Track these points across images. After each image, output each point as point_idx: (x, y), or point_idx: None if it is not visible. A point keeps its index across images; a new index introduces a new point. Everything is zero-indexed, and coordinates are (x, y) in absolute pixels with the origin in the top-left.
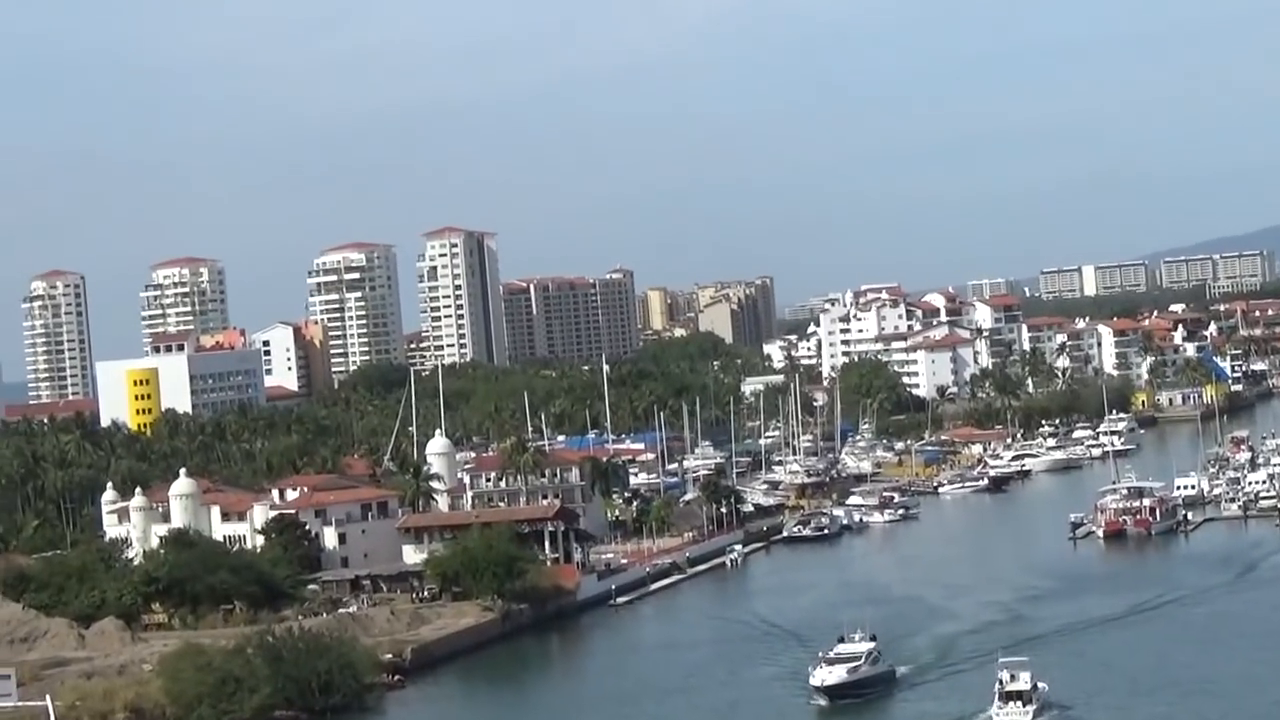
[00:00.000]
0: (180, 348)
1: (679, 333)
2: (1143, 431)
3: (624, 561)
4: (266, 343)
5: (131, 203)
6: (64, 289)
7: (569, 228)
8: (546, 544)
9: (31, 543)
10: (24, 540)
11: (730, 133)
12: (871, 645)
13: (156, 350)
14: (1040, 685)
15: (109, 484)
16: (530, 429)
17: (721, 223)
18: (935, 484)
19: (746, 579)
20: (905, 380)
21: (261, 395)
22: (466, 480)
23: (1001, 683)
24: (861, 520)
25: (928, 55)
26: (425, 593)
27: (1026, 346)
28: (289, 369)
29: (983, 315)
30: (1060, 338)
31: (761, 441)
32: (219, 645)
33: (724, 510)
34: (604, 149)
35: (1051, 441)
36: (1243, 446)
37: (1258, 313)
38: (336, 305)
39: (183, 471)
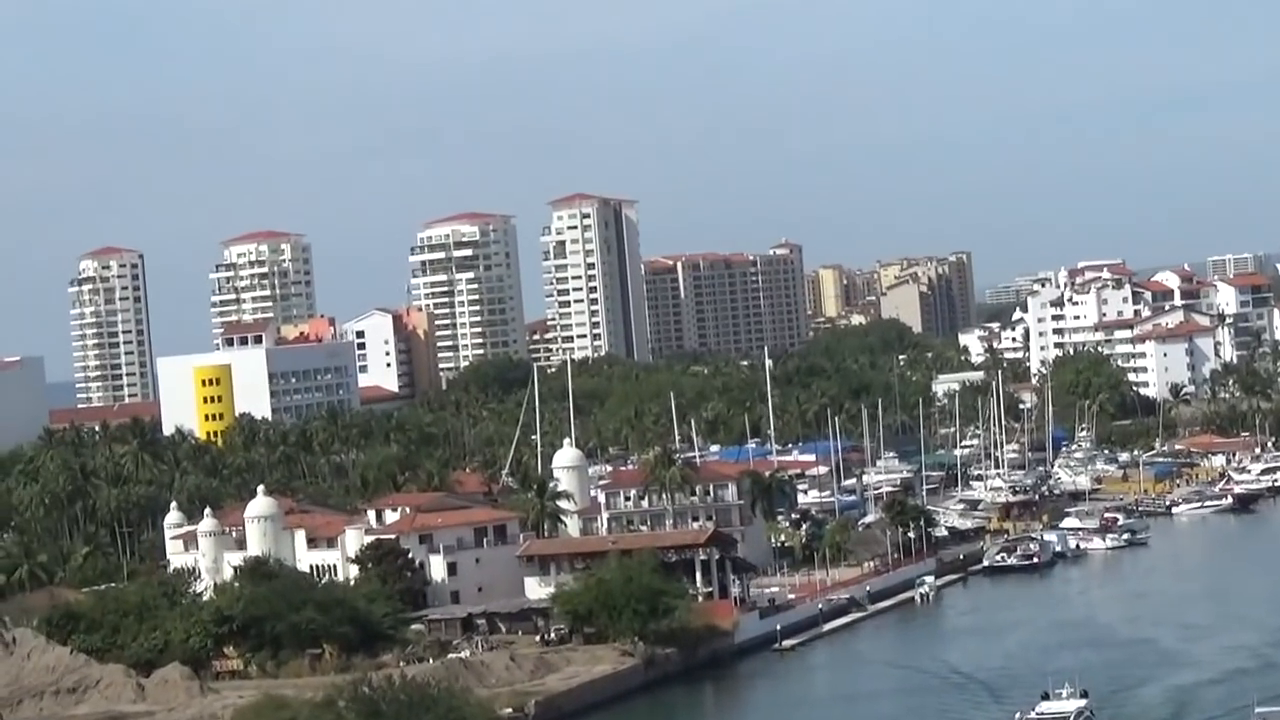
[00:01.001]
0: (257, 340)
1: (857, 320)
2: None
3: (791, 597)
4: (361, 333)
5: (199, 168)
6: (118, 270)
7: (724, 195)
8: (698, 576)
9: (81, 574)
10: (72, 571)
11: (917, 79)
12: (1082, 703)
13: (229, 343)
14: None
15: (173, 504)
16: (678, 437)
17: (908, 187)
18: (1168, 503)
19: (939, 618)
20: (1131, 377)
21: (355, 397)
22: (601, 499)
23: None
24: (1078, 547)
25: None
26: (552, 634)
27: (1279, 336)
28: (388, 365)
29: (1226, 298)
30: None
31: (957, 452)
32: (304, 697)
33: (912, 535)
34: (764, 101)
35: None
36: None
37: None
38: (445, 288)
39: (260, 489)
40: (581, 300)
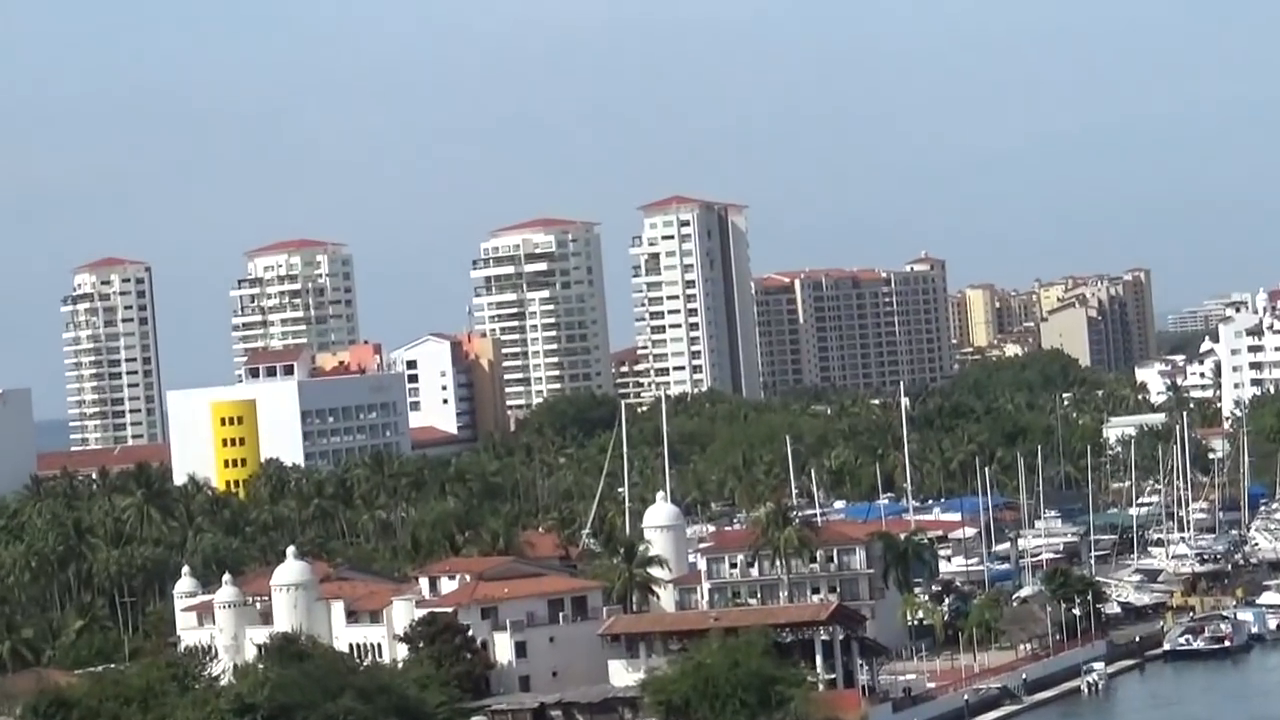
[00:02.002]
0: (288, 370)
1: (1012, 351)
2: None
3: (931, 686)
4: (412, 363)
5: (218, 161)
6: (121, 285)
7: (850, 198)
8: (818, 659)
9: (74, 653)
10: (63, 649)
11: (1083, 63)
12: None
13: (254, 374)
14: None
15: (185, 569)
16: (795, 491)
17: (1074, 191)
18: None
19: (1109, 712)
20: None
21: (405, 440)
22: (702, 566)
23: None
24: (1279, 628)
25: None
26: None
27: None
28: (445, 402)
29: None
30: None
31: (1133, 511)
32: None
33: (1078, 612)
34: (899, 87)
35: None
36: None
37: None
38: (514, 309)
39: (290, 551)
40: (679, 325)
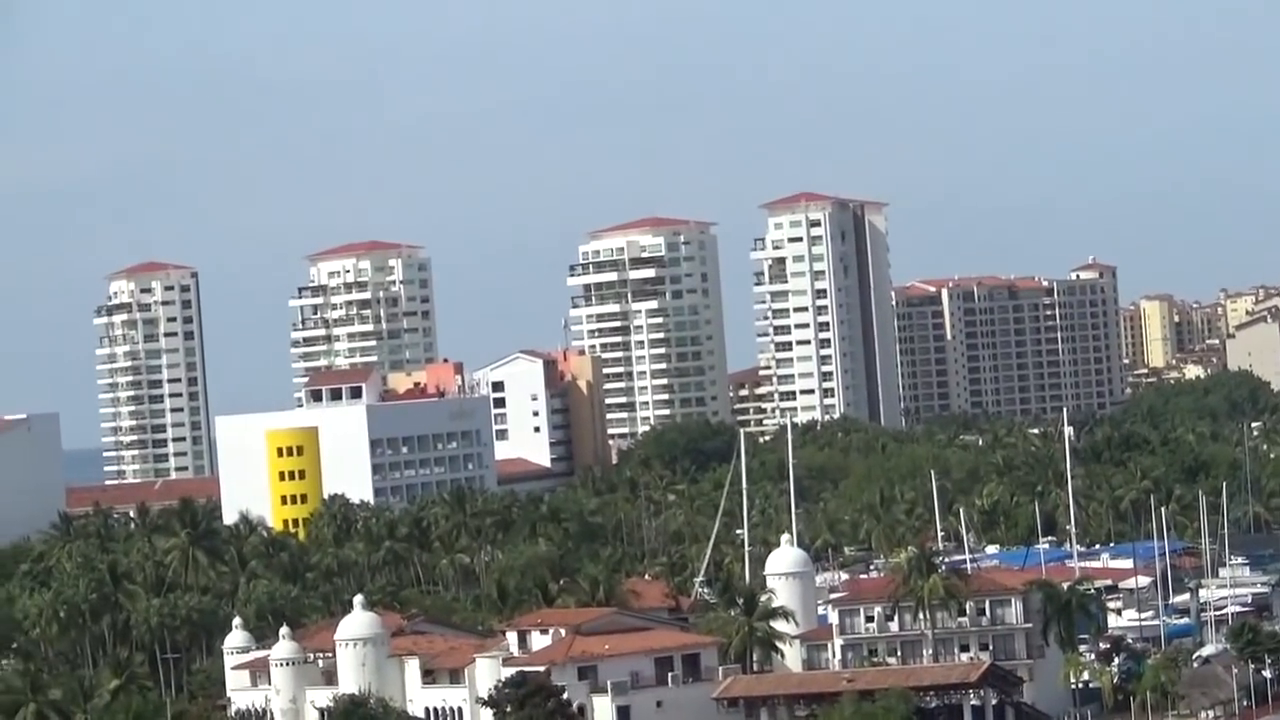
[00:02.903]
0: (355, 393)
1: (1193, 372)
2: None
3: None
4: (499, 385)
5: (277, 148)
6: (163, 294)
7: (1005, 195)
8: None
9: (109, 715)
10: (96, 712)
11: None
12: None
13: (316, 397)
14: None
15: (236, 620)
16: (941, 534)
17: (1267, 186)
18: None
19: None
20: None
21: (491, 473)
22: (833, 619)
23: None
24: None
25: None
26: None
27: None
28: (536, 430)
29: None
30: None
31: None
32: None
33: (1269, 674)
34: (1057, 63)
35: None
36: None
37: None
38: (617, 323)
39: (358, 601)
40: (808, 341)
